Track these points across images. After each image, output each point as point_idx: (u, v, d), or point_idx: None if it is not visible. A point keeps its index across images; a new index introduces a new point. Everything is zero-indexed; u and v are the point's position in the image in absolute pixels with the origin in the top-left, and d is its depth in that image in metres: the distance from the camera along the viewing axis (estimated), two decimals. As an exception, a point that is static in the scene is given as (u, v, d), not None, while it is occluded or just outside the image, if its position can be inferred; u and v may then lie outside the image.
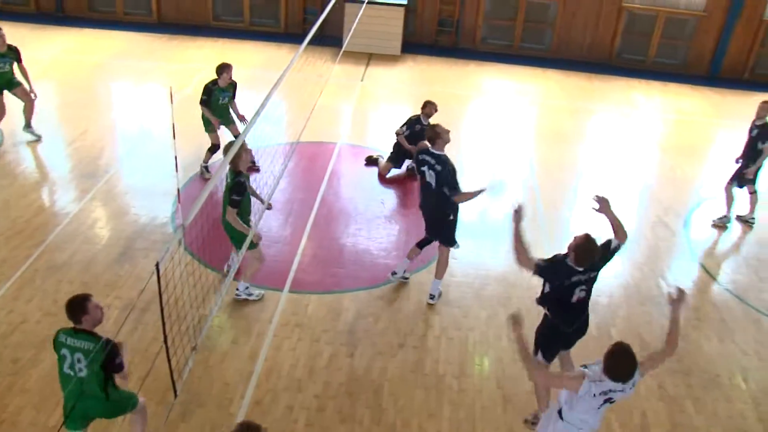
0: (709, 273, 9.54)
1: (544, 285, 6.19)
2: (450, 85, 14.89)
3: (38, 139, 11.42)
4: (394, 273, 8.61)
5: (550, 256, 6.21)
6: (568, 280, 5.98)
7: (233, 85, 10.58)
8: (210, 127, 10.61)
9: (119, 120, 12.54)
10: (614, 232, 6.28)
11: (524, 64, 16.69)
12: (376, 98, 13.97)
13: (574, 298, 6.10)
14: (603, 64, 17.10)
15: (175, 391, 5.98)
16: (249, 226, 7.58)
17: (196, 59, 15.32)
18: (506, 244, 9.46)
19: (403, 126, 10.93)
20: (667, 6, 16.78)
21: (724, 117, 15.21)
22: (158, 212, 9.81)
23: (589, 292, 6.20)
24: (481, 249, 9.47)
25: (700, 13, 16.80)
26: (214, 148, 10.70)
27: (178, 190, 8.21)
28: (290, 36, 16.97)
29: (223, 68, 10.38)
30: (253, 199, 7.99)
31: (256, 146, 10.10)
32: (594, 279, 6.17)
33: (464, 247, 9.41)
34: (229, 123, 10.75)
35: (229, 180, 7.55)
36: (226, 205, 7.46)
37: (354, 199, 10.54)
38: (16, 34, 16.02)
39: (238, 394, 6.76)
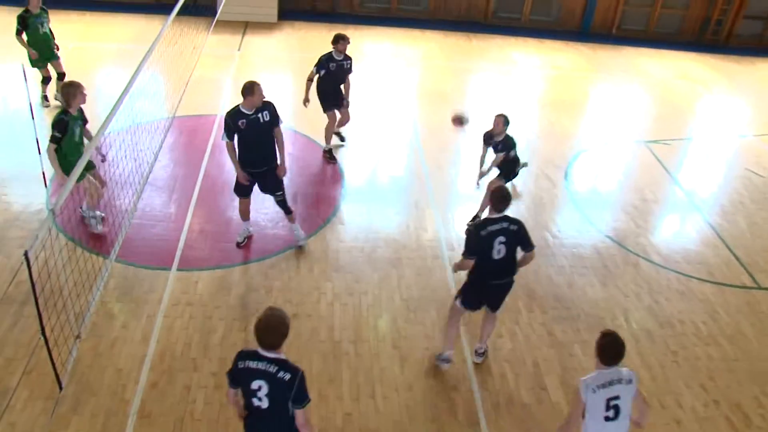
0: (590, 222, 9.94)
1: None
2: (328, 49, 14.68)
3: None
4: None
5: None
6: (484, 230, 6.34)
7: (46, 11, 10.78)
8: (34, 62, 10.68)
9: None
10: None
11: (403, 26, 16.74)
12: (255, 67, 13.67)
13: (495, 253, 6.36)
14: (480, 23, 17.37)
15: (59, 383, 5.75)
16: (72, 166, 7.06)
17: (64, 36, 14.48)
18: (394, 206, 9.62)
19: (313, 69, 10.35)
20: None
21: (596, 71, 15.80)
22: (32, 198, 9.29)
23: (508, 245, 6.40)
24: (370, 212, 9.51)
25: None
26: (46, 80, 10.81)
27: (43, 173, 7.80)
28: (162, 6, 16.28)
29: None
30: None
31: (133, 123, 9.72)
32: (514, 233, 6.40)
33: (353, 211, 9.48)
34: (52, 58, 10.83)
35: (55, 116, 7.79)
36: (49, 142, 7.72)
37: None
38: None
39: (132, 380, 6.58)
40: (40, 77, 11.36)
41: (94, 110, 10.87)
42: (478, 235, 6.35)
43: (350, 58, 10.49)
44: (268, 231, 8.95)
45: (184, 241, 8.58)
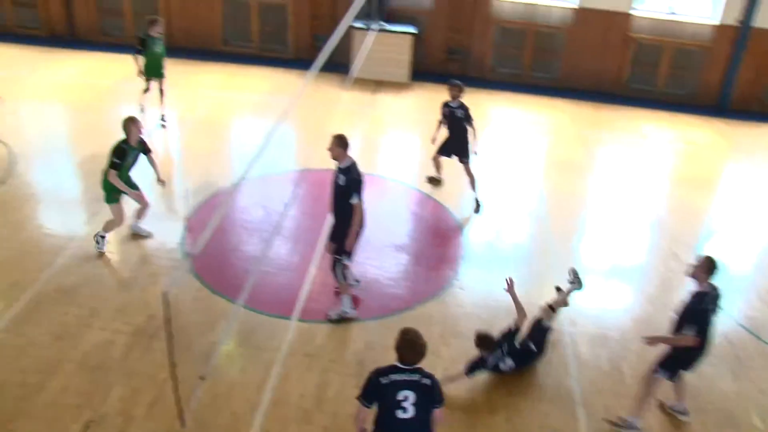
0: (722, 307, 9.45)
1: None
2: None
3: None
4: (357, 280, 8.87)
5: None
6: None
7: (162, 36, 12.23)
8: (146, 75, 12.31)
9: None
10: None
11: (533, 93, 16.72)
12: (385, 125, 13.98)
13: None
14: (611, 93, 17.13)
15: (182, 421, 5.91)
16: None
17: (205, 84, 15.38)
18: (515, 276, 9.47)
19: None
20: (674, 37, 16.82)
21: (734, 149, 15.19)
22: (167, 237, 9.77)
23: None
24: (491, 279, 9.41)
25: (707, 44, 16.82)
26: (146, 91, 12.56)
27: (188, 221, 8.16)
28: (299, 62, 17.05)
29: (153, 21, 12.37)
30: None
31: (264, 173, 10.11)
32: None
33: (474, 277, 9.40)
34: (160, 76, 12.29)
35: (115, 144, 8.84)
36: (108, 168, 8.78)
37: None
38: (28, 56, 16.19)
39: (246, 424, 6.69)
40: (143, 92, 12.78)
41: (226, 155, 11.41)
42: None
43: (465, 107, 10.64)
44: (389, 290, 9.00)
45: (306, 293, 8.74)
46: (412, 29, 16.37)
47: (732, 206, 12.54)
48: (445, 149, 11.15)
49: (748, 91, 17.09)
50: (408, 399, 5.11)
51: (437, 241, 10.23)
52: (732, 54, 16.73)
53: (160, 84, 12.84)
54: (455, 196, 11.43)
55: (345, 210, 7.94)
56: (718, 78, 17.07)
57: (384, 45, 15.68)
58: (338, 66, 14.92)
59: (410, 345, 5.20)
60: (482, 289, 9.18)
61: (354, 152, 12.31)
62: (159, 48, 12.48)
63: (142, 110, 12.76)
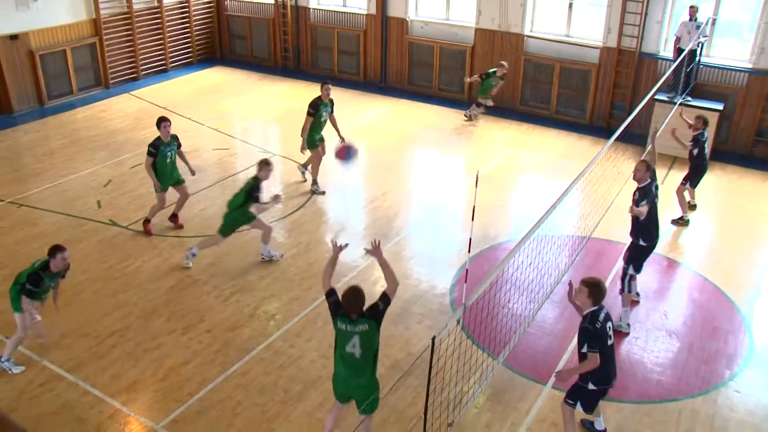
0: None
1: None
2: (762, 200, 13.69)
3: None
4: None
5: None
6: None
7: (175, 139, 11.26)
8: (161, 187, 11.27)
9: (419, 187, 13.28)
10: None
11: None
12: (674, 205, 13.27)
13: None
14: None
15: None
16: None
17: (499, 140, 15.83)
18: None
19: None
20: None
21: None
22: (439, 282, 10.20)
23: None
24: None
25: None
26: (158, 208, 11.51)
27: (467, 270, 8.42)
28: (594, 128, 16.91)
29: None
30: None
31: (546, 235, 10.15)
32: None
33: (754, 381, 8.56)
34: (177, 183, 11.46)
35: (250, 182, 10.17)
36: (244, 201, 10.12)
37: (635, 305, 10.04)
38: (344, 97, 17.92)
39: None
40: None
41: (510, 211, 11.58)
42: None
43: None
44: (653, 375, 8.53)
45: (564, 362, 8.58)
46: (718, 106, 15.47)
47: None
48: None
49: None
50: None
51: (716, 334, 9.47)
52: None
53: (180, 191, 11.60)
54: (743, 287, 10.55)
55: (637, 224, 9.21)
56: None
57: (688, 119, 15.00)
58: (635, 137, 14.53)
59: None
60: (763, 396, 8.33)
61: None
62: (172, 155, 11.22)
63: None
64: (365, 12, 19.71)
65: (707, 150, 12.07)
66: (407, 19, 19.18)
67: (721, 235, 12.49)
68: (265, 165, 10.25)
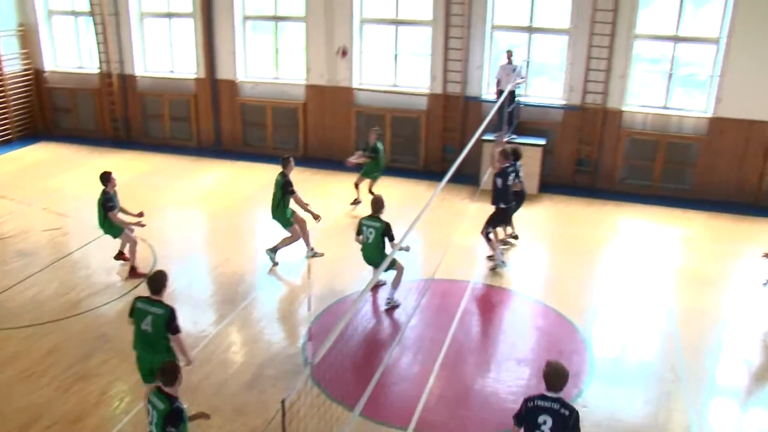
0: None
1: None
2: (588, 226, 14.64)
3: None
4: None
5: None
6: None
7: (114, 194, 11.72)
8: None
9: (261, 249, 13.12)
10: None
11: (664, 205, 16.19)
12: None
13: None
14: (751, 204, 16.33)
15: None
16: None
17: (338, 194, 15.97)
18: (642, 395, 9.01)
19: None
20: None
21: None
22: (290, 342, 10.05)
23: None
24: (615, 398, 8.98)
25: None
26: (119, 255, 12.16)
27: (310, 329, 8.35)
28: (429, 173, 17.46)
29: None
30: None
31: (389, 282, 10.32)
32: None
33: (597, 395, 8.99)
34: (116, 235, 11.90)
35: (279, 179, 11.83)
36: (284, 197, 11.91)
37: (484, 339, 10.36)
38: (179, 164, 17.52)
39: None
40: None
41: (353, 262, 11.67)
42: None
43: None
44: (508, 405, 8.73)
45: (423, 404, 8.64)
46: (541, 141, 16.47)
47: None
48: None
49: None
50: (546, 423, 6.02)
51: (561, 356, 9.84)
52: None
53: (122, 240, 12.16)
54: (580, 308, 11.13)
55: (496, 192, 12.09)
56: None
57: (513, 157, 15.84)
58: (468, 178, 15.14)
59: (554, 372, 6.16)
60: (606, 408, 8.77)
61: (479, 265, 12.48)
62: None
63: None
64: (194, 76, 19.50)
65: (514, 182, 12.39)
66: (237, 81, 19.15)
67: (555, 261, 13.17)
68: (286, 160, 12.18)
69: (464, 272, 12.13)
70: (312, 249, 12.44)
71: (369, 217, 10.67)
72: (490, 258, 12.46)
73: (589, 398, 8.91)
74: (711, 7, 16.16)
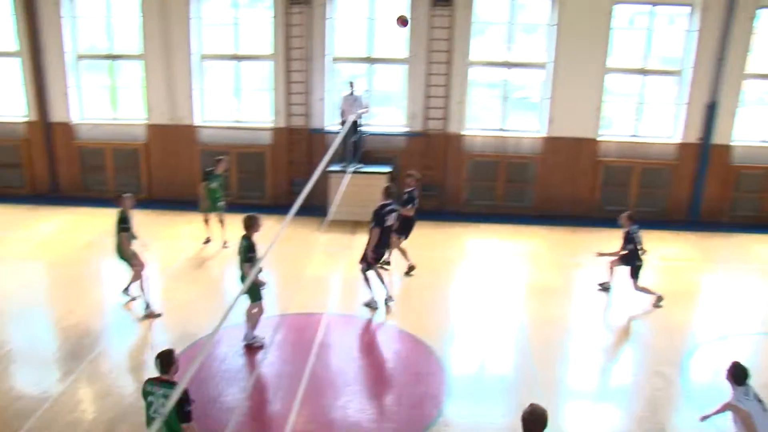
0: (712, 423, 9.25)
1: None
2: (437, 248, 15.07)
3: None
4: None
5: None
6: None
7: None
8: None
9: (107, 297, 12.56)
10: None
11: (509, 222, 16.97)
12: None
13: None
14: (586, 216, 17.44)
15: None
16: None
17: (184, 235, 15.56)
18: (500, 408, 9.31)
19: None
20: (641, 157, 17.45)
21: (708, 260, 15.36)
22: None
23: None
24: (476, 414, 9.23)
25: (673, 162, 17.47)
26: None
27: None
28: (277, 207, 17.33)
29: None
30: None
31: (242, 321, 10.16)
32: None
33: (458, 412, 9.21)
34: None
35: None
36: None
37: (343, 369, 10.35)
38: (11, 216, 16.48)
39: None
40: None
41: (206, 304, 11.42)
42: None
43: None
44: (370, 433, 8.80)
45: (288, 435, 8.52)
46: (387, 169, 16.81)
47: (713, 318, 12.56)
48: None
49: (715, 203, 17.69)
50: None
51: (419, 378, 10.07)
52: (696, 170, 17.47)
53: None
54: (435, 330, 11.39)
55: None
56: (686, 193, 17.67)
57: (360, 186, 16.02)
58: (316, 209, 15.19)
59: (532, 419, 5.81)
60: (467, 425, 8.98)
61: (333, 295, 12.51)
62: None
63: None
64: (25, 119, 18.44)
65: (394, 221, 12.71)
66: (72, 123, 18.31)
67: (408, 286, 13.40)
68: (119, 197, 11.62)
69: (318, 304, 12.11)
70: (148, 307, 11.73)
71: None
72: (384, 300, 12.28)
73: (450, 417, 9.10)
74: (538, 35, 17.21)
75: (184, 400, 6.46)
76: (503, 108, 17.64)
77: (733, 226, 17.50)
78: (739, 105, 17.31)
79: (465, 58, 17.03)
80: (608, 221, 17.12)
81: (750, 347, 11.58)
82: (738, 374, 7.55)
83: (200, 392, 9.03)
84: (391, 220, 12.07)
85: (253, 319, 10.47)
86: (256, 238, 10.24)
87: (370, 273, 11.97)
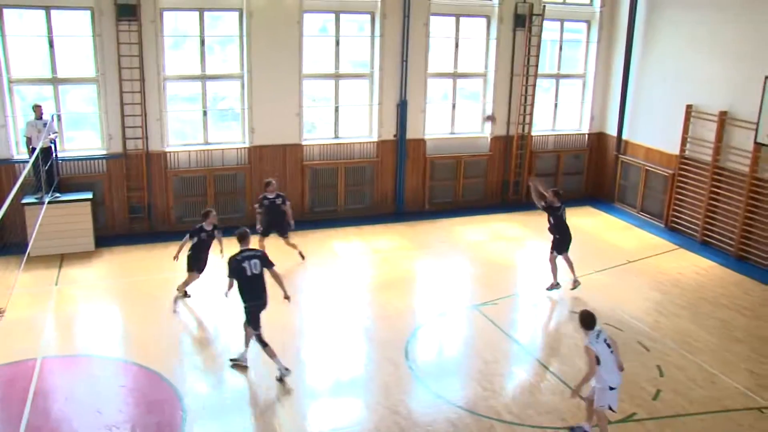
0: (439, 395, 10.01)
1: None
2: (153, 271, 14.47)
3: None
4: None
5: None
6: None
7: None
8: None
9: None
10: None
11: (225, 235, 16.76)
12: (76, 299, 13.09)
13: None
14: (298, 220, 17.75)
15: None
16: None
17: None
18: (243, 421, 9.18)
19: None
20: (343, 158, 18.40)
21: (416, 247, 16.55)
22: None
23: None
24: (217, 429, 9.08)
25: (374, 160, 18.69)
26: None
27: None
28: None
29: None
30: None
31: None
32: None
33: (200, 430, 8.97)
34: None
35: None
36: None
37: (67, 416, 9.51)
38: None
39: None
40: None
41: None
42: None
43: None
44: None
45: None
46: (88, 195, 15.80)
47: (429, 299, 13.57)
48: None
49: (416, 193, 19.33)
50: None
51: (151, 408, 9.64)
52: (396, 164, 18.85)
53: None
54: (163, 357, 11.01)
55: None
56: (390, 187, 19.01)
57: (61, 216, 14.94)
58: (12, 247, 13.80)
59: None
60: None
61: (45, 337, 11.46)
62: None
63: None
64: None
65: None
66: None
67: (127, 314, 12.75)
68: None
69: (29, 350, 11.02)
70: None
71: None
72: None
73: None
74: (232, 46, 17.24)
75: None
76: (204, 121, 17.41)
77: (435, 213, 19.18)
78: (426, 102, 19.00)
79: (159, 73, 16.53)
80: (320, 222, 17.76)
81: (464, 319, 12.72)
82: (586, 320, 8.47)
83: None
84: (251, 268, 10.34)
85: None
86: None
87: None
